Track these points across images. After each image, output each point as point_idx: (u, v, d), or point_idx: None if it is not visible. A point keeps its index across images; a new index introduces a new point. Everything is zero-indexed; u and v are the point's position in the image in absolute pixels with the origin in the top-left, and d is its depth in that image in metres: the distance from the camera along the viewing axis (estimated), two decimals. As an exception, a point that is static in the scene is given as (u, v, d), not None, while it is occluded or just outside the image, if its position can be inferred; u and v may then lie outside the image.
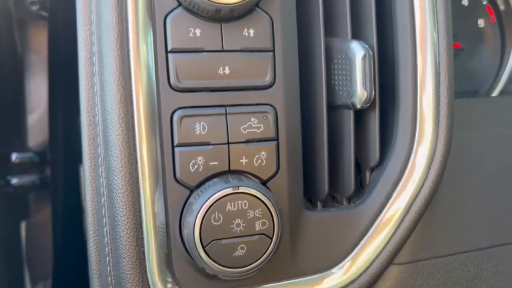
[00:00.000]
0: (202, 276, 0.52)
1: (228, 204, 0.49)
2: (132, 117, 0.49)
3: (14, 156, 0.83)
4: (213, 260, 0.49)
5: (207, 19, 0.49)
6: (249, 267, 0.50)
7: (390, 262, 0.59)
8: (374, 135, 0.58)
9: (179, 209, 0.51)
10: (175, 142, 0.50)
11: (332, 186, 0.58)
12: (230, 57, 0.50)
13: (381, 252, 0.58)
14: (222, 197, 0.48)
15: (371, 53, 0.55)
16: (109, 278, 0.52)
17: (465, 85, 0.82)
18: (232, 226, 0.49)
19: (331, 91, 0.57)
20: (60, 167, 0.84)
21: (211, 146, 0.50)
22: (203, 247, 0.48)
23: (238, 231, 0.49)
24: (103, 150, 0.50)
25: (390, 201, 0.58)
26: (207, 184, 0.50)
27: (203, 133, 0.50)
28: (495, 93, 0.83)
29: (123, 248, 0.50)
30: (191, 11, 0.49)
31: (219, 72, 0.50)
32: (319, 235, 0.56)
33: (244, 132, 0.51)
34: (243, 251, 0.49)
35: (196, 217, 0.48)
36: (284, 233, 0.52)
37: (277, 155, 0.53)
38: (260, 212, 0.49)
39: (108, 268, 0.52)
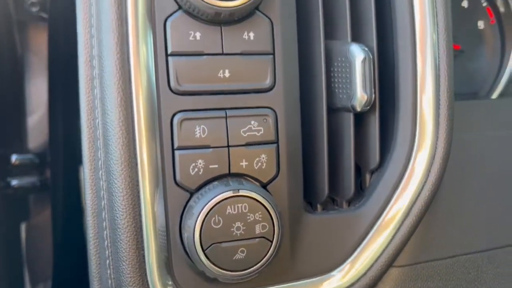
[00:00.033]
0: (202, 279, 0.52)
1: (228, 207, 0.49)
2: (132, 120, 0.49)
3: (14, 158, 0.83)
4: (213, 263, 0.49)
5: (207, 22, 0.49)
6: (249, 270, 0.50)
7: (390, 264, 0.59)
8: (374, 137, 0.58)
9: (179, 212, 0.51)
10: (175, 145, 0.50)
11: (332, 189, 0.58)
12: (230, 60, 0.50)
13: (381, 254, 0.58)
14: (222, 200, 0.48)
15: (371, 56, 0.55)
16: (109, 281, 0.52)
17: (464, 87, 0.82)
18: (232, 229, 0.49)
19: (331, 94, 0.57)
20: (60, 168, 0.84)
21: (211, 149, 0.50)
22: (203, 250, 0.48)
23: (238, 234, 0.49)
24: (103, 154, 0.50)
25: (390, 204, 0.58)
26: (207, 187, 0.50)
27: (203, 136, 0.50)
28: (495, 95, 0.83)
29: (123, 251, 0.50)
30: (191, 14, 0.49)
31: (219, 75, 0.50)
32: (319, 238, 0.56)
33: (244, 135, 0.51)
34: (243, 254, 0.49)
35: (196, 221, 0.48)
36: (284, 236, 0.52)
37: (277, 158, 0.53)
38: (260, 215, 0.49)
39: (108, 271, 0.52)
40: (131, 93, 0.49)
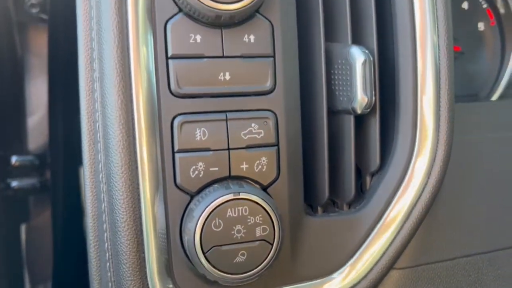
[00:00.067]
0: (202, 282, 0.52)
1: (229, 210, 0.48)
2: (133, 123, 0.49)
3: (14, 159, 0.83)
4: (214, 266, 0.49)
5: (207, 25, 0.49)
6: (249, 273, 0.50)
7: (390, 267, 0.58)
8: (375, 140, 0.58)
9: (179, 215, 0.51)
10: (176, 148, 0.50)
11: (332, 191, 0.58)
12: (231, 63, 0.50)
13: (381, 257, 0.58)
14: (223, 203, 0.48)
15: (372, 58, 0.55)
16: (109, 284, 0.52)
17: (465, 88, 0.82)
18: (232, 232, 0.49)
19: (332, 96, 0.57)
20: (60, 169, 0.84)
21: (211, 152, 0.50)
22: (204, 253, 0.48)
23: (239, 237, 0.49)
24: (104, 156, 0.50)
25: (391, 206, 0.58)
26: (207, 190, 0.50)
27: (203, 139, 0.50)
28: (495, 96, 0.83)
29: (124, 254, 0.50)
30: (192, 17, 0.49)
31: (219, 78, 0.50)
32: (320, 240, 0.56)
33: (245, 138, 0.51)
34: (244, 257, 0.49)
35: (197, 223, 0.48)
36: (284, 239, 0.52)
37: (278, 160, 0.53)
38: (260, 218, 0.49)
39: (109, 274, 0.52)
40: (131, 96, 0.49)
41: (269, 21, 0.51)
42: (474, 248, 0.66)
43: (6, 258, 0.84)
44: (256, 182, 0.52)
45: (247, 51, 0.51)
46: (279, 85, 0.52)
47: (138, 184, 0.50)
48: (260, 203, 0.49)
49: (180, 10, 0.49)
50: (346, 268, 0.57)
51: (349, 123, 0.57)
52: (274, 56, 0.52)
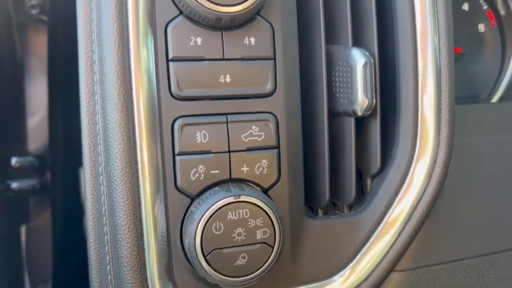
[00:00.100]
0: (203, 285, 0.52)
1: (229, 213, 0.48)
2: (133, 125, 0.49)
3: (14, 160, 0.83)
4: (214, 269, 0.48)
5: (208, 28, 0.49)
6: (250, 276, 0.49)
7: (391, 269, 0.58)
8: (375, 142, 0.58)
9: (180, 217, 0.50)
10: (176, 151, 0.50)
11: (333, 194, 0.58)
12: (231, 65, 0.50)
13: (382, 259, 0.58)
14: (223, 206, 0.48)
15: (372, 61, 0.55)
16: (110, 287, 0.52)
17: (465, 90, 0.82)
18: (233, 235, 0.49)
19: (332, 98, 0.57)
20: (59, 171, 0.84)
21: (212, 155, 0.50)
22: (204, 256, 0.48)
23: (239, 240, 0.49)
24: (104, 159, 0.50)
25: (392, 209, 0.58)
26: (208, 192, 0.50)
27: (204, 141, 0.50)
28: (495, 98, 0.83)
29: (124, 257, 0.50)
30: (192, 19, 0.49)
31: (220, 80, 0.50)
32: (320, 243, 0.56)
33: (245, 140, 0.51)
34: (244, 260, 0.49)
35: (197, 226, 0.48)
36: (285, 242, 0.52)
37: (278, 163, 0.53)
38: (261, 221, 0.49)
39: (109, 277, 0.52)
40: (131, 98, 0.49)
41: (270, 23, 0.51)
42: (474, 250, 0.66)
43: (6, 259, 0.84)
44: (257, 184, 0.52)
45: (248, 54, 0.50)
46: (280, 88, 0.52)
47: (138, 186, 0.50)
48: (261, 206, 0.49)
49: (181, 12, 0.49)
50: (346, 271, 0.57)
51: (350, 125, 0.57)
52: (274, 59, 0.52)
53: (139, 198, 0.50)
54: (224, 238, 0.48)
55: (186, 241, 0.49)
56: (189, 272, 0.52)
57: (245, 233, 0.49)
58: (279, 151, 0.53)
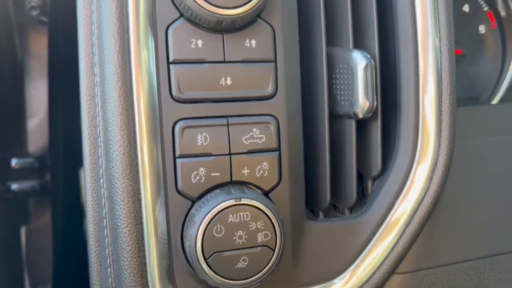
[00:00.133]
0: (204, 288, 0.52)
1: (230, 216, 0.48)
2: (134, 128, 0.49)
3: (14, 162, 0.83)
4: (215, 272, 0.48)
5: (209, 30, 0.49)
6: (251, 279, 0.49)
7: (392, 271, 0.58)
8: (376, 144, 0.58)
9: (180, 220, 0.50)
10: (177, 153, 0.50)
11: (334, 196, 0.58)
12: (232, 68, 0.50)
13: (383, 262, 0.58)
14: (224, 208, 0.48)
15: (373, 63, 0.55)
16: (111, 289, 0.52)
17: (466, 91, 0.81)
18: (234, 238, 0.48)
19: (333, 100, 0.56)
20: (60, 172, 0.83)
21: (213, 157, 0.50)
22: (205, 259, 0.48)
23: (240, 243, 0.49)
24: (104, 162, 0.50)
25: (392, 211, 0.58)
26: (209, 195, 0.50)
27: (205, 144, 0.50)
28: (496, 99, 0.83)
29: (125, 259, 0.50)
30: (193, 22, 0.49)
31: (221, 83, 0.50)
32: (321, 245, 0.56)
33: (246, 143, 0.51)
34: (245, 263, 0.49)
35: (198, 229, 0.48)
36: (286, 245, 0.52)
37: (279, 165, 0.52)
38: (262, 224, 0.49)
39: (110, 280, 0.52)
40: (132, 101, 0.49)
41: (271, 26, 0.51)
42: (475, 253, 0.66)
43: (6, 261, 0.84)
44: (258, 187, 0.52)
45: (249, 56, 0.50)
46: (281, 90, 0.52)
47: (139, 189, 0.50)
48: (262, 208, 0.49)
49: (181, 15, 0.49)
50: (347, 273, 0.57)
51: (351, 128, 0.57)
52: (275, 61, 0.52)
53: (139, 200, 0.50)
54: (225, 241, 0.48)
55: (187, 244, 0.49)
56: (190, 275, 0.51)
57: (246, 236, 0.49)
58: (280, 154, 0.53)
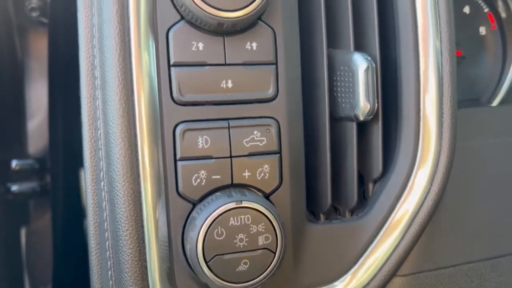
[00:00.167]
0: (205, 291, 0.52)
1: (231, 218, 0.48)
2: (135, 131, 0.49)
3: (14, 163, 0.83)
4: (216, 275, 0.48)
5: (209, 33, 0.49)
6: (252, 282, 0.49)
7: (393, 274, 0.58)
8: (377, 147, 0.58)
9: (181, 223, 0.50)
10: (178, 156, 0.50)
11: (335, 198, 0.58)
12: (233, 70, 0.50)
13: (384, 264, 0.58)
14: (225, 211, 0.48)
15: (374, 65, 0.55)
16: (111, 292, 0.52)
17: (466, 93, 0.81)
18: (235, 241, 0.48)
19: (334, 103, 0.56)
20: (60, 173, 0.83)
21: (213, 160, 0.50)
22: (206, 262, 0.48)
23: (241, 246, 0.49)
24: (105, 164, 0.50)
25: (393, 213, 0.58)
26: (209, 198, 0.50)
27: (205, 146, 0.50)
28: (496, 101, 0.83)
29: (126, 262, 0.50)
30: (194, 24, 0.49)
31: (221, 85, 0.50)
32: (322, 248, 0.56)
33: (247, 146, 0.51)
34: (246, 266, 0.49)
35: (199, 232, 0.48)
36: (287, 247, 0.52)
37: (280, 168, 0.52)
38: (263, 227, 0.49)
39: (110, 282, 0.52)
40: (133, 103, 0.49)
41: (272, 28, 0.51)
42: (476, 255, 0.66)
43: (6, 262, 0.84)
44: (259, 190, 0.52)
45: (250, 59, 0.50)
46: (281, 93, 0.52)
47: (140, 192, 0.50)
48: (263, 211, 0.49)
49: (182, 17, 0.49)
50: (348, 276, 0.57)
51: (352, 130, 0.57)
52: (276, 64, 0.52)
53: (140, 203, 0.50)
54: (226, 244, 0.48)
55: (188, 247, 0.49)
56: (190, 278, 0.51)
57: (247, 239, 0.49)
58: (280, 156, 0.52)
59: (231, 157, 0.50)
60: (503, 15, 0.83)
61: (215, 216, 0.48)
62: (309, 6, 0.56)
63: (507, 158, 0.69)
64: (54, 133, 0.83)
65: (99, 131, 0.50)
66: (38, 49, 0.85)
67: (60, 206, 0.84)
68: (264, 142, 0.51)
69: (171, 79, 0.49)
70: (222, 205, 0.48)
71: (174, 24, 0.49)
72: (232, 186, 0.51)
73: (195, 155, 0.50)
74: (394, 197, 0.58)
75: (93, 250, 0.53)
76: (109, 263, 0.52)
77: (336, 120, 0.57)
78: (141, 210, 0.50)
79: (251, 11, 0.47)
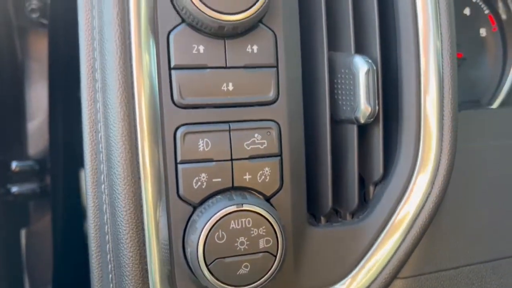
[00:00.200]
0: (205, 294, 0.52)
1: (232, 222, 0.48)
2: (135, 134, 0.49)
3: (14, 164, 0.83)
4: (217, 279, 0.48)
5: (210, 36, 0.49)
6: (253, 285, 0.49)
7: (394, 276, 0.58)
8: (378, 149, 0.58)
9: (182, 226, 0.50)
10: (178, 159, 0.50)
11: (335, 201, 0.58)
12: (234, 73, 0.50)
13: (385, 266, 0.58)
14: (226, 214, 0.48)
15: (375, 68, 0.55)
16: (112, 295, 0.52)
17: (466, 94, 0.81)
18: (236, 244, 0.48)
19: (335, 105, 0.56)
20: (60, 175, 0.83)
21: (214, 163, 0.50)
22: (207, 266, 0.48)
23: (242, 249, 0.48)
24: (106, 167, 0.50)
25: (394, 216, 0.58)
26: (210, 201, 0.50)
27: (206, 149, 0.50)
28: (497, 102, 0.83)
29: (126, 265, 0.50)
30: (195, 27, 0.49)
31: (222, 88, 0.50)
32: (323, 251, 0.56)
33: (248, 148, 0.51)
34: (247, 269, 0.49)
35: (200, 235, 0.48)
36: (287, 250, 0.51)
37: (281, 171, 0.52)
38: (264, 230, 0.49)
39: (111, 285, 0.52)
40: (134, 106, 0.49)
41: (272, 31, 0.51)
42: (477, 257, 0.66)
43: (6, 264, 0.84)
44: (259, 192, 0.52)
45: (250, 62, 0.50)
46: (282, 95, 0.52)
47: (140, 195, 0.50)
48: (264, 214, 0.49)
49: (183, 20, 0.49)
50: (349, 279, 0.57)
51: (352, 133, 0.57)
52: (277, 66, 0.52)
53: (141, 206, 0.50)
54: (227, 247, 0.48)
55: (189, 250, 0.49)
56: (191, 281, 0.51)
57: (247, 242, 0.49)
58: (281, 159, 0.52)
59: (231, 160, 0.50)
60: (504, 16, 0.83)
61: (216, 219, 0.48)
62: (310, 9, 0.56)
63: (507, 160, 0.69)
64: (54, 135, 0.83)
65: (99, 134, 0.50)
66: (38, 50, 0.85)
67: (60, 207, 0.84)
68: (265, 145, 0.51)
69: (171, 82, 0.49)
70: (223, 208, 0.48)
71: (175, 27, 0.49)
72: (233, 189, 0.51)
73: (196, 158, 0.50)
74: (395, 199, 0.58)
75: (94, 253, 0.53)
76: (109, 266, 0.52)
77: (336, 122, 0.57)
78: (141, 213, 0.50)
79: (252, 14, 0.47)
